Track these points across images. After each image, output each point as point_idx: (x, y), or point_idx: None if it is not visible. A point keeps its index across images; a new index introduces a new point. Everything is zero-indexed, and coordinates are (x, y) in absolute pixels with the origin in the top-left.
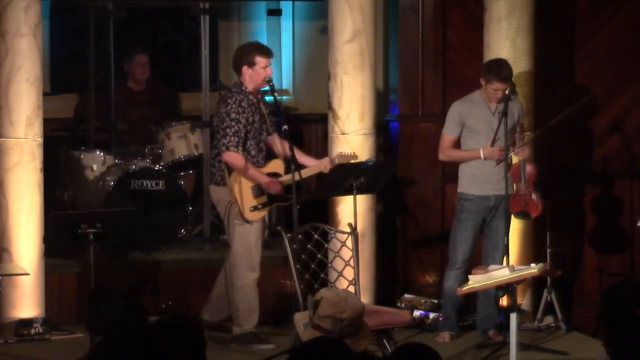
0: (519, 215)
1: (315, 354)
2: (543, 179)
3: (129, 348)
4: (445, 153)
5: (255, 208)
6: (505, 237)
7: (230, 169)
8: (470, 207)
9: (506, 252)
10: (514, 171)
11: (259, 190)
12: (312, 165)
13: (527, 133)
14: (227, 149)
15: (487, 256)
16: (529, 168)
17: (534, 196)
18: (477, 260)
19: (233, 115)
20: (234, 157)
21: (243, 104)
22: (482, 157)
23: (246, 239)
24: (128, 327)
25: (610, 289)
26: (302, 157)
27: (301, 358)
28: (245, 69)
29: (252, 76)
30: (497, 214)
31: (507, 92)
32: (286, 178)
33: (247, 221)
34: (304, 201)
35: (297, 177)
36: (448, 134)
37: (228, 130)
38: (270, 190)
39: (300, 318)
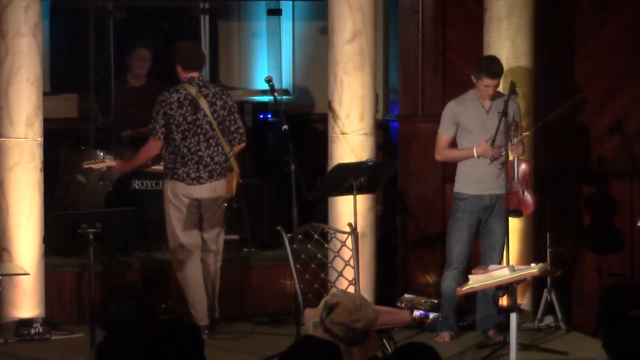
0: (511, 213)
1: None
2: (543, 179)
3: (135, 346)
4: (441, 153)
5: None
6: (505, 237)
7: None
8: (465, 206)
9: (506, 251)
10: (508, 169)
11: None
12: None
13: (526, 133)
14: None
15: (485, 256)
16: (523, 166)
17: (527, 194)
18: (475, 260)
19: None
20: None
21: None
22: (475, 155)
23: None
24: (137, 327)
25: (607, 290)
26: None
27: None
28: None
29: None
30: (492, 214)
31: (496, 89)
32: None
33: None
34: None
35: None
36: (443, 134)
37: (241, 122)
38: None
39: (311, 315)
